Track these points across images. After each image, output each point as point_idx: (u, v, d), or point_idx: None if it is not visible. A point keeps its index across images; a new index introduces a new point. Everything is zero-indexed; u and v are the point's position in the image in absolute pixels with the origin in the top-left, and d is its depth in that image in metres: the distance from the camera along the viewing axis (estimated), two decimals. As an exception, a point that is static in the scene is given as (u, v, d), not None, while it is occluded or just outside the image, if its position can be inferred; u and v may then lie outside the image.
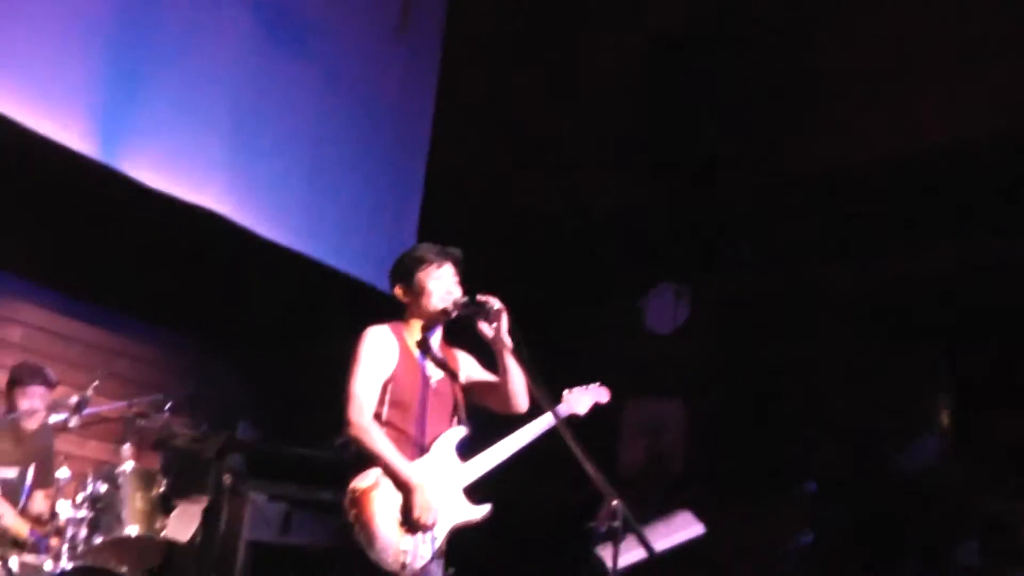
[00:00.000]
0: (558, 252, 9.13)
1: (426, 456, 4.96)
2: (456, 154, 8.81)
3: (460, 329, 5.17)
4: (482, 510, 5.01)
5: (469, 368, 5.36)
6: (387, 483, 4.79)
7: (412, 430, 4.97)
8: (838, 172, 8.44)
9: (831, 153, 8.44)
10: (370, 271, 8.14)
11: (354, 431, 4.86)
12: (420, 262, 5.18)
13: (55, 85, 6.53)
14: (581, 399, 5.58)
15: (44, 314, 8.41)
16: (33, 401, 6.75)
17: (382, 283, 7.89)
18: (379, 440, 4.83)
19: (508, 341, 4.97)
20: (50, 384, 6.90)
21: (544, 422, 5.15)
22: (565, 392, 5.55)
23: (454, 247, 5.27)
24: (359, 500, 4.76)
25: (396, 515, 4.74)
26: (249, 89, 7.64)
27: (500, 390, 5.21)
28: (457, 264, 5.22)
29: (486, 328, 5.03)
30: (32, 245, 8.09)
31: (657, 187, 8.68)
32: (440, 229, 7.99)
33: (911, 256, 8.23)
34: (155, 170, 7.02)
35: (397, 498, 4.77)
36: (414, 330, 5.18)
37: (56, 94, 6.54)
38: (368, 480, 4.79)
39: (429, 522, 4.75)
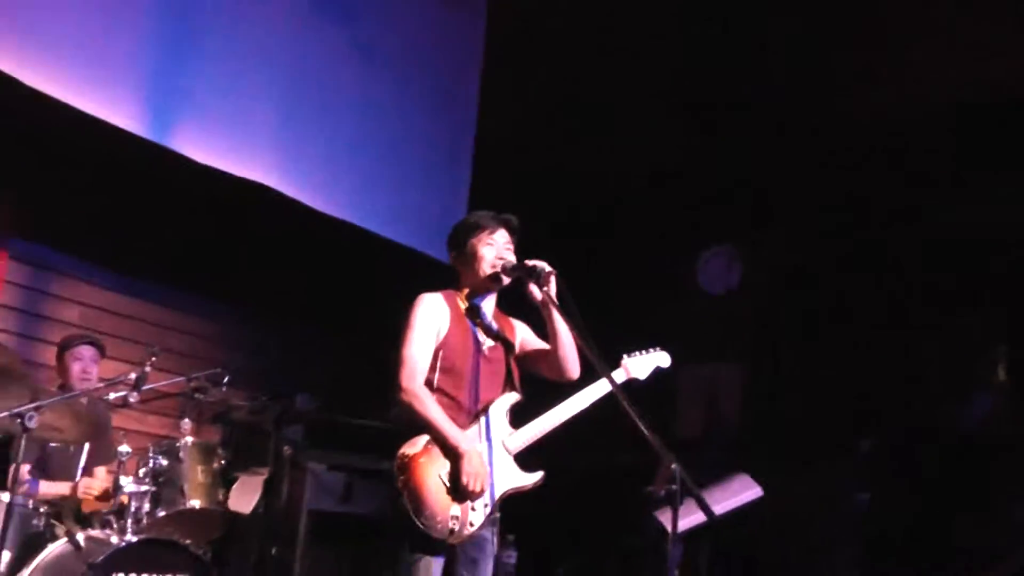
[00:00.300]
0: (610, 214, 9.08)
1: (477, 423, 4.95)
2: (505, 119, 8.77)
3: (517, 299, 5.15)
4: (534, 477, 4.96)
5: (523, 336, 5.32)
6: (436, 449, 4.78)
7: (463, 396, 4.95)
8: (896, 125, 8.32)
9: (890, 105, 8.30)
10: (421, 239, 8.15)
11: (405, 396, 4.84)
12: (473, 228, 5.15)
13: (103, 67, 6.57)
14: (641, 364, 5.45)
15: (99, 293, 8.49)
16: (84, 363, 6.87)
17: (434, 251, 7.99)
18: (429, 406, 4.81)
19: (557, 304, 4.95)
20: (97, 345, 7.01)
21: (599, 388, 5.07)
22: (624, 357, 5.43)
23: (509, 213, 5.24)
24: (408, 466, 4.74)
25: (445, 481, 4.73)
26: (296, 61, 7.65)
27: (551, 356, 5.18)
28: (512, 230, 5.19)
29: (536, 291, 5.01)
30: (85, 225, 8.19)
31: (709, 145, 8.60)
32: (491, 195, 8.00)
33: (969, 212, 8.11)
34: (204, 145, 7.05)
35: (446, 464, 4.76)
36: (467, 297, 5.15)
37: (105, 75, 6.57)
38: (417, 446, 4.78)
39: (477, 489, 4.72)
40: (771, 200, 8.66)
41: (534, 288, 5.00)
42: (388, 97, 8.24)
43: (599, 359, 4.68)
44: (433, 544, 4.72)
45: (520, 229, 5.22)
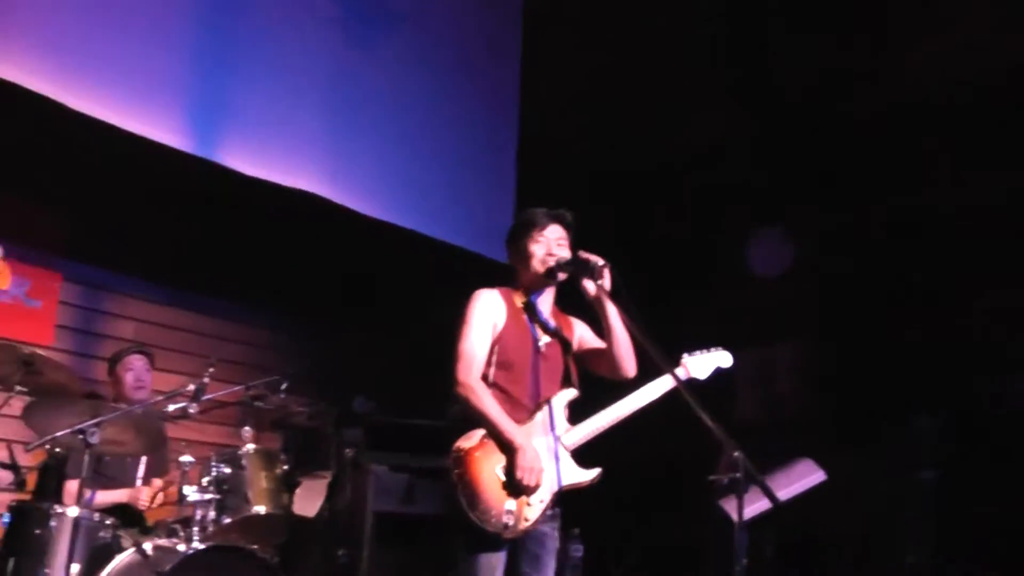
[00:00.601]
0: (658, 201, 9.03)
1: (533, 418, 4.95)
2: (547, 112, 8.75)
3: (578, 297, 5.14)
4: (591, 474, 4.95)
5: (581, 334, 5.32)
6: (492, 444, 4.79)
7: (519, 392, 4.97)
8: (946, 97, 8.21)
9: (937, 79, 8.19)
10: (469, 238, 8.16)
11: (461, 390, 4.87)
12: (526, 226, 5.16)
13: (146, 86, 6.65)
14: (702, 364, 5.44)
15: (153, 308, 8.61)
16: (136, 372, 6.97)
17: (482, 249, 8.00)
18: (485, 400, 4.83)
19: (612, 299, 4.94)
20: (147, 354, 7.11)
21: (659, 387, 5.06)
22: (685, 356, 5.42)
23: (557, 206, 5.23)
24: (463, 459, 4.76)
25: (500, 476, 4.74)
26: (337, 68, 7.68)
27: (607, 354, 5.18)
28: (565, 224, 5.18)
29: (589, 286, 5.01)
30: (136, 243, 8.31)
31: (753, 124, 8.52)
32: (537, 189, 8.01)
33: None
34: (250, 157, 7.12)
35: (502, 459, 4.76)
36: (523, 294, 5.16)
37: (148, 94, 6.66)
38: (473, 440, 4.80)
39: (532, 484, 4.72)
40: (824, 177, 8.56)
41: (588, 283, 5.01)
42: (430, 98, 8.26)
43: (660, 354, 4.65)
44: (490, 539, 4.72)
45: (574, 223, 5.20)
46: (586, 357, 5.29)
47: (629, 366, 5.18)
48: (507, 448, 4.76)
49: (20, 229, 7.58)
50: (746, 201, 8.74)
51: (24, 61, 6.07)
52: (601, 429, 5.03)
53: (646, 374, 5.06)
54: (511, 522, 4.70)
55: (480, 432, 4.81)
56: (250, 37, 7.23)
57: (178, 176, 7.36)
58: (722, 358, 5.50)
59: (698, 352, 5.46)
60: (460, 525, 4.71)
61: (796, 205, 8.60)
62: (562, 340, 5.20)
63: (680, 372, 5.27)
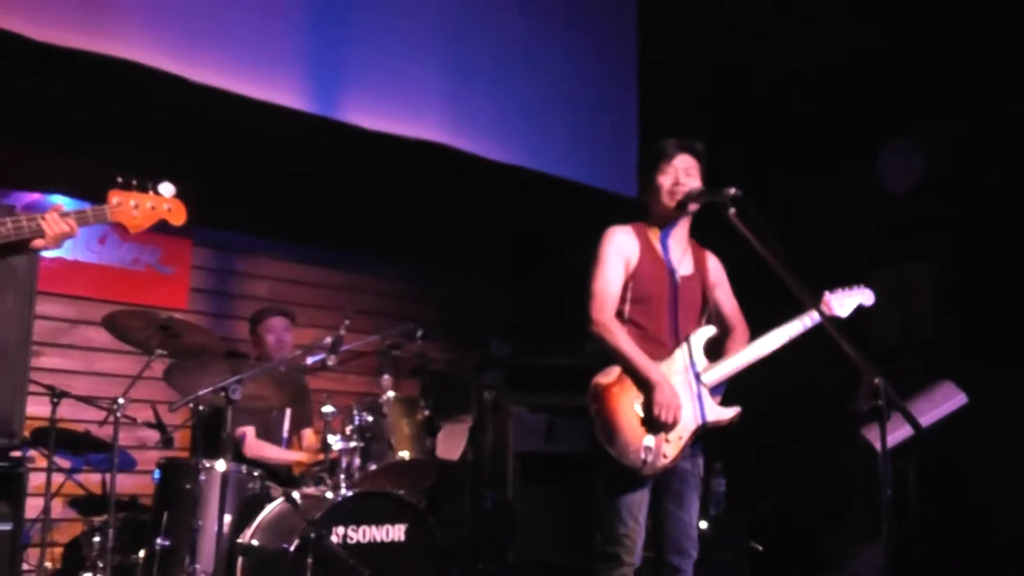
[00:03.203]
0: (781, 121, 8.82)
1: (672, 354, 4.89)
2: (667, 39, 8.61)
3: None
4: (730, 412, 4.89)
5: (717, 274, 5.22)
6: (629, 380, 4.76)
7: (656, 327, 4.92)
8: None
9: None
10: (598, 175, 8.09)
11: (595, 328, 4.85)
12: (654, 158, 5.05)
13: (263, 51, 6.68)
14: (844, 301, 5.26)
15: (285, 266, 8.74)
16: (277, 332, 7.10)
17: (612, 185, 7.94)
18: (620, 337, 4.80)
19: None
20: (287, 314, 7.23)
21: (800, 324, 4.94)
22: (827, 293, 5.24)
23: (679, 135, 5.09)
24: (601, 395, 4.76)
25: (638, 412, 4.71)
26: (453, 14, 7.63)
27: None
28: (695, 153, 5.03)
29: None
30: (263, 203, 8.42)
31: (882, 34, 8.25)
32: (661, 120, 7.91)
33: None
34: (371, 111, 7.10)
35: (639, 395, 4.73)
36: (656, 227, 5.07)
37: (265, 59, 6.68)
38: (611, 376, 4.78)
39: (669, 420, 4.67)
40: (954, 86, 8.27)
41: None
42: (548, 38, 8.18)
43: (802, 289, 4.51)
44: (632, 477, 4.72)
45: (704, 152, 5.06)
46: (716, 300, 5.20)
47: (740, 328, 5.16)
48: (644, 384, 4.73)
49: (145, 186, 7.72)
50: (876, 116, 8.49)
51: (143, 40, 6.13)
52: (740, 368, 4.95)
53: (785, 308, 4.92)
54: (649, 458, 4.67)
55: (618, 368, 4.79)
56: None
57: (300, 136, 7.42)
58: (864, 295, 5.33)
59: (840, 290, 5.30)
60: (600, 461, 4.72)
61: (927, 113, 8.33)
62: (700, 273, 5.12)
63: (823, 310, 5.05)
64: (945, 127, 8.15)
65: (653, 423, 4.68)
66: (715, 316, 5.17)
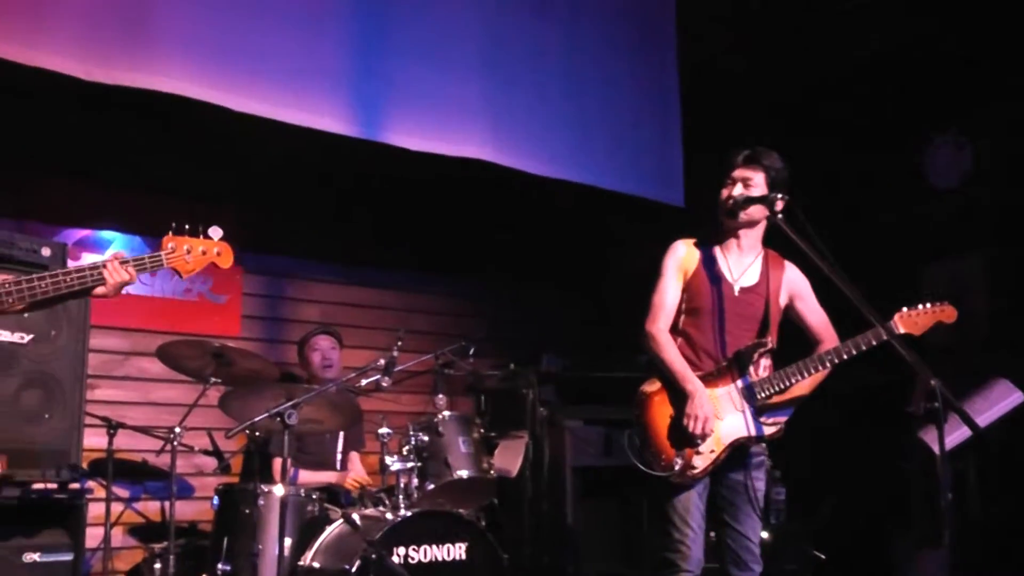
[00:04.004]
0: (828, 119, 8.74)
1: (719, 367, 4.88)
2: (705, 43, 8.56)
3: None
4: (771, 428, 4.84)
5: (795, 286, 5.09)
6: (672, 390, 4.81)
7: (704, 339, 4.93)
8: None
9: None
10: (644, 184, 8.04)
11: (645, 338, 4.95)
12: (720, 172, 5.04)
13: (304, 78, 6.67)
14: (918, 321, 4.87)
15: (335, 288, 8.74)
16: (322, 351, 7.17)
17: (657, 194, 7.90)
18: (665, 347, 4.87)
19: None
20: (332, 334, 7.30)
21: (863, 343, 4.74)
22: (901, 312, 4.87)
23: (757, 148, 4.99)
24: (642, 402, 4.88)
25: (673, 421, 4.77)
26: (492, 30, 7.63)
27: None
28: (750, 162, 4.95)
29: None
30: (311, 228, 8.48)
31: (922, 23, 8.15)
32: (705, 125, 7.88)
33: None
34: (415, 131, 7.09)
35: (677, 405, 4.78)
36: (720, 238, 5.07)
37: (307, 86, 6.67)
38: (655, 385, 4.89)
39: (697, 431, 4.68)
40: (1000, 75, 8.18)
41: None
42: (587, 49, 8.15)
43: (874, 313, 4.41)
44: (684, 484, 4.75)
45: (760, 158, 4.95)
46: (795, 313, 5.11)
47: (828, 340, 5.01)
48: (680, 395, 4.77)
49: (196, 230, 7.81)
50: (918, 106, 8.40)
51: (185, 73, 6.16)
52: (792, 387, 4.84)
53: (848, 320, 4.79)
54: (677, 467, 4.71)
55: (664, 378, 4.86)
56: (401, 14, 7.23)
57: (345, 160, 7.44)
58: (945, 312, 4.91)
59: (912, 309, 4.90)
60: (641, 466, 4.79)
61: (973, 104, 8.22)
62: (765, 286, 5.03)
63: (892, 328, 4.83)
64: (992, 117, 8.07)
65: (683, 433, 4.71)
66: (804, 328, 5.10)
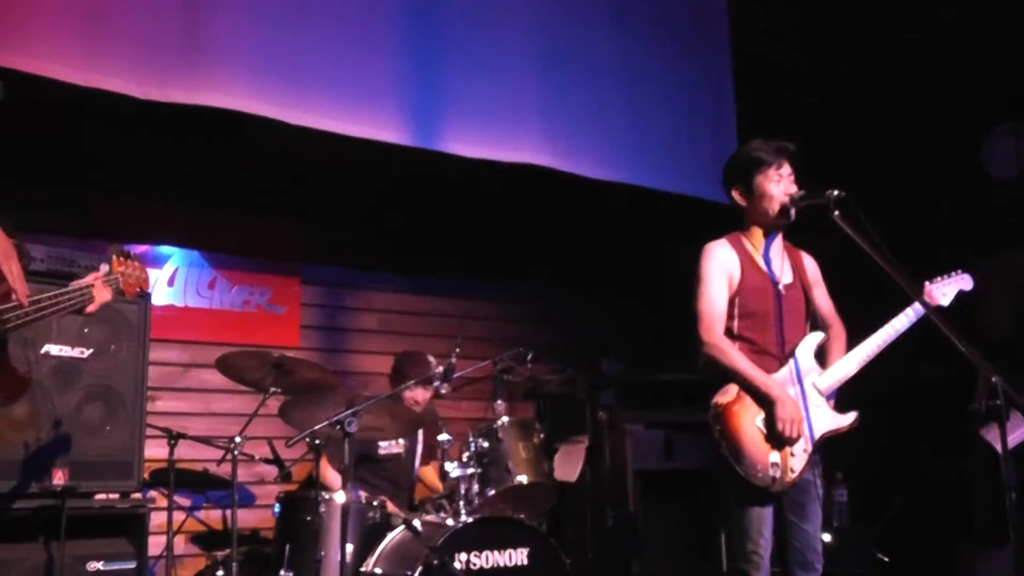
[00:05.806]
0: (886, 112, 8.67)
1: (784, 366, 4.83)
2: (760, 38, 8.51)
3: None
4: (848, 418, 4.84)
5: (813, 274, 5.15)
6: (748, 398, 4.72)
7: (766, 340, 4.86)
8: None
9: None
10: (701, 185, 8.00)
11: (708, 349, 4.81)
12: (757, 164, 4.93)
13: (361, 90, 6.73)
14: (943, 289, 5.17)
15: (393, 297, 8.76)
16: (416, 396, 6.96)
17: (714, 194, 7.84)
18: (733, 355, 4.76)
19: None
20: (429, 382, 7.00)
21: (905, 319, 4.86)
22: (927, 284, 5.14)
23: (785, 141, 4.99)
24: (723, 415, 4.72)
25: (762, 429, 4.68)
26: (545, 36, 7.63)
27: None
28: (793, 159, 4.95)
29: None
30: (368, 238, 8.52)
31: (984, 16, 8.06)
32: (760, 121, 7.82)
33: None
34: (471, 139, 7.11)
35: (760, 412, 4.70)
36: (755, 237, 5.01)
37: (363, 98, 6.73)
38: (730, 394, 4.75)
39: (794, 435, 4.63)
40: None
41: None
42: (639, 49, 8.13)
43: (907, 282, 4.40)
44: (758, 493, 4.67)
45: (799, 153, 4.97)
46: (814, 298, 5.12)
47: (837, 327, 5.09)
48: (764, 401, 4.70)
49: (256, 243, 8.00)
50: (977, 98, 8.31)
51: (240, 88, 6.23)
52: (852, 371, 4.88)
53: (887, 303, 4.84)
54: (778, 475, 4.65)
55: (735, 386, 4.75)
56: (455, 25, 7.25)
57: (400, 169, 7.46)
58: (963, 281, 5.22)
59: (940, 279, 5.20)
60: (729, 479, 4.66)
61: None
62: (800, 278, 5.05)
63: (925, 300, 4.92)
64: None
65: (778, 439, 4.65)
66: (815, 314, 5.10)
